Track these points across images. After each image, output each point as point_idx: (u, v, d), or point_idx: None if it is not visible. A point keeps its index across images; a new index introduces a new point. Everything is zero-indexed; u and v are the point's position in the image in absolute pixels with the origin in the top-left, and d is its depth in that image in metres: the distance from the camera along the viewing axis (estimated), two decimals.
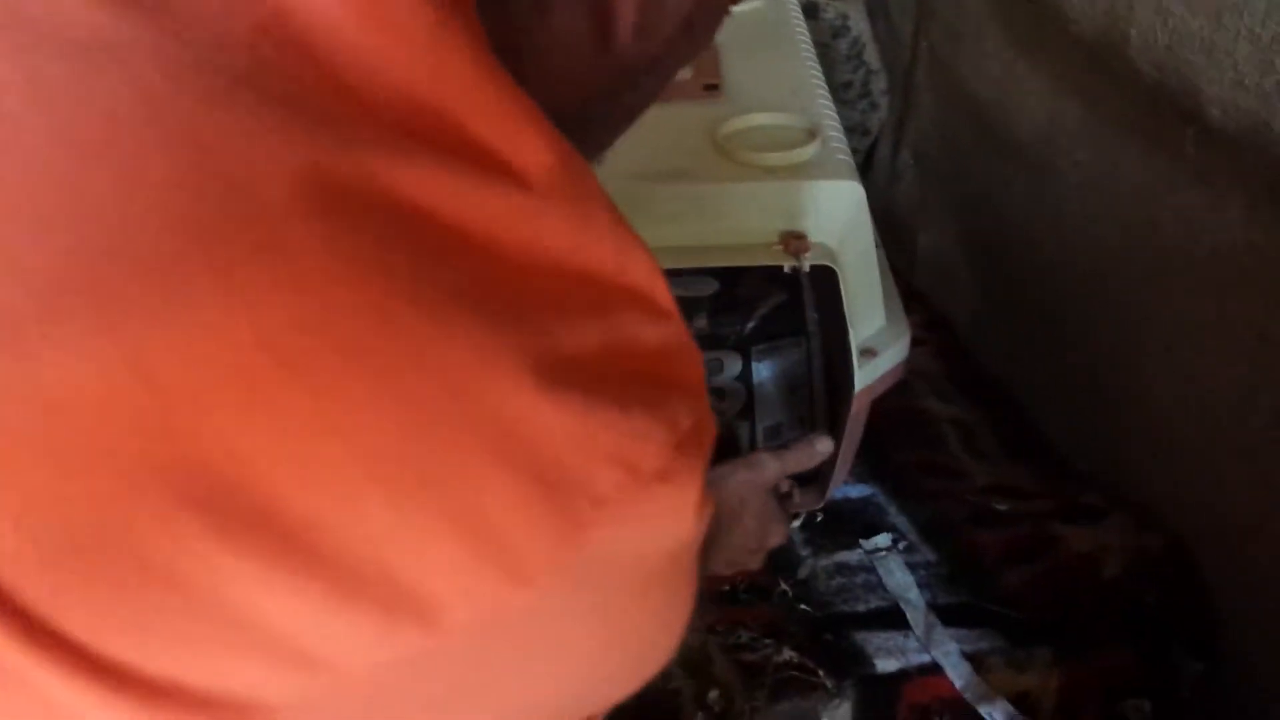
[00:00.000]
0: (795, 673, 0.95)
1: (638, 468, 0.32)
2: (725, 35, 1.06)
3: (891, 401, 1.05)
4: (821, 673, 0.95)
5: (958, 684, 0.94)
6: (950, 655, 0.96)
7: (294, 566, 0.29)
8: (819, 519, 1.11)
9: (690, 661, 0.96)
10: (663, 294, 0.36)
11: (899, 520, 1.11)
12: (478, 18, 0.34)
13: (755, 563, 0.91)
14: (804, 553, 1.08)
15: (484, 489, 0.30)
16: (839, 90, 1.57)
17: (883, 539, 1.08)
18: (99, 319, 0.28)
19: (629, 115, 0.49)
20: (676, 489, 0.34)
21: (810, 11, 1.48)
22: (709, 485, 0.36)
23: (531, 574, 0.31)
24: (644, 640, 0.41)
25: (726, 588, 1.03)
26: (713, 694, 0.94)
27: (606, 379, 0.32)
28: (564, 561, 0.32)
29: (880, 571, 1.05)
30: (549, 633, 0.35)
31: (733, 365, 1.08)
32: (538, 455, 0.30)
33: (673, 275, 1.06)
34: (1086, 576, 1.01)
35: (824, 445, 0.92)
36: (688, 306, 1.07)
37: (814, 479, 1.07)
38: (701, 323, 1.08)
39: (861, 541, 1.08)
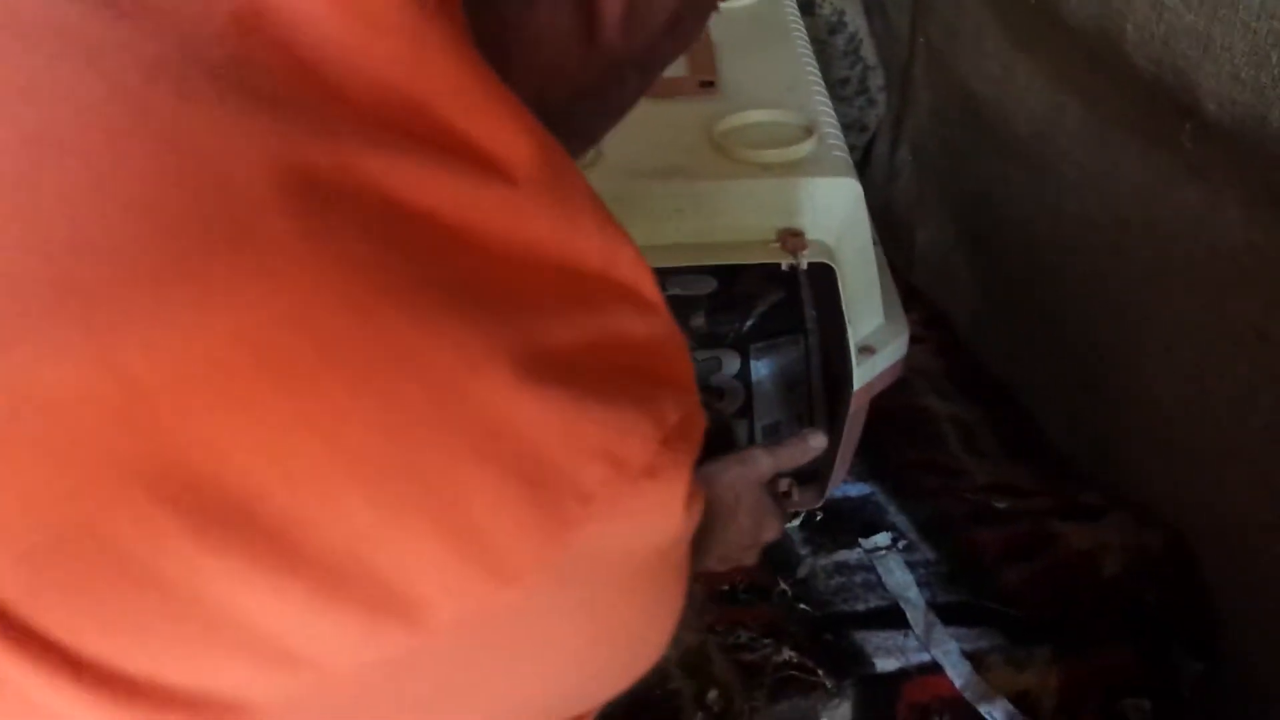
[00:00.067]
0: (795, 672, 0.95)
1: (624, 463, 0.32)
2: (721, 32, 1.07)
3: (890, 400, 1.05)
4: (821, 672, 0.95)
5: (957, 683, 0.94)
6: (950, 654, 0.96)
7: (275, 566, 0.29)
8: (818, 518, 1.11)
9: (689, 661, 0.96)
10: (649, 288, 0.35)
11: (898, 519, 1.11)
12: (462, 11, 0.33)
13: (750, 558, 0.91)
14: (803, 552, 1.07)
15: (467, 486, 0.30)
16: (836, 86, 1.56)
17: (882, 538, 1.08)
18: (74, 317, 0.27)
19: (617, 110, 0.48)
20: (664, 484, 0.34)
21: (807, 7, 1.48)
22: (702, 481, 0.36)
23: (517, 572, 0.31)
24: (634, 637, 0.40)
25: (725, 587, 1.03)
26: (712, 694, 0.93)
27: (592, 374, 0.32)
28: (550, 559, 0.31)
29: (880, 570, 1.05)
30: (536, 631, 0.35)
31: (731, 363, 1.08)
32: (521, 452, 0.30)
33: (670, 273, 1.06)
34: (1086, 575, 1.01)
35: (817, 441, 0.92)
36: (686, 304, 1.07)
37: (813, 478, 1.07)
38: (699, 321, 1.08)
39: (861, 540, 1.08)
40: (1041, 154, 1.12)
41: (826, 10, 1.54)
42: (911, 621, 0.99)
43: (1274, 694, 0.92)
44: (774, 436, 1.08)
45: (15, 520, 0.28)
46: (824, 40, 1.54)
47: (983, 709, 0.93)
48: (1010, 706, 0.93)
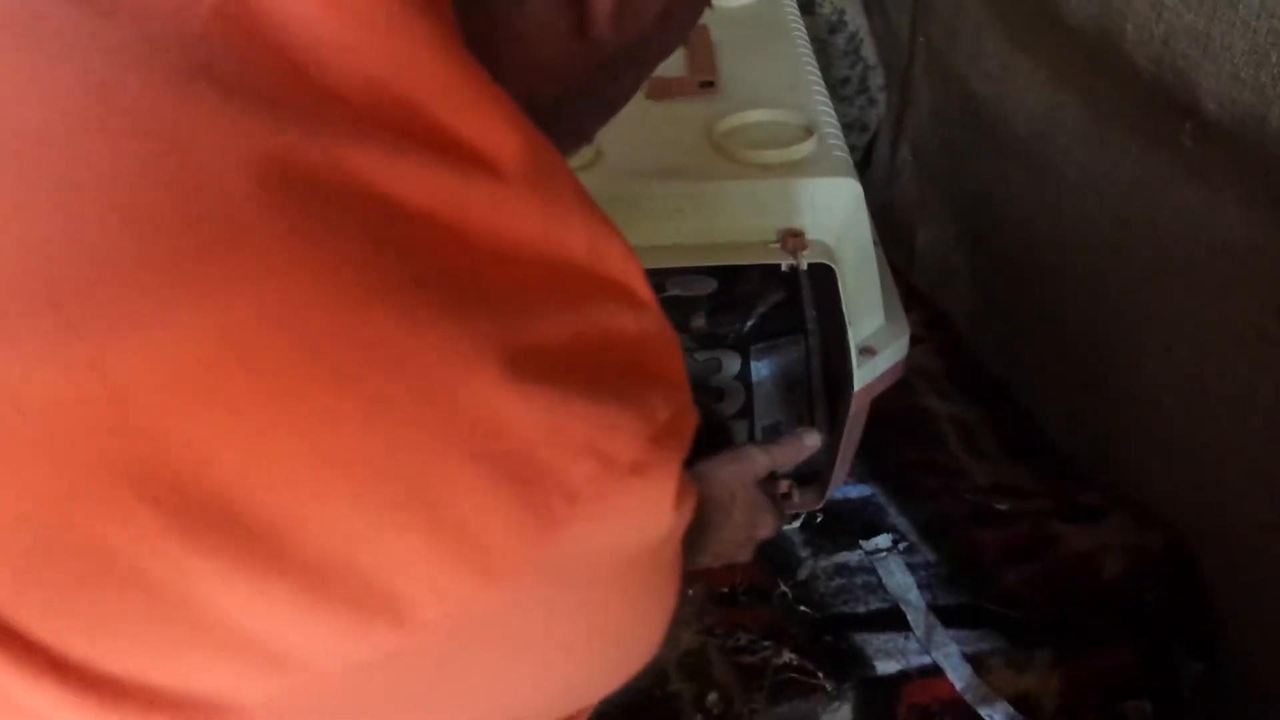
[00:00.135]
0: (795, 675, 0.95)
1: (612, 460, 0.32)
2: (721, 32, 1.07)
3: (891, 400, 1.05)
4: (821, 675, 0.94)
5: (958, 685, 0.94)
6: (951, 656, 0.96)
7: (261, 566, 0.28)
8: (819, 520, 1.11)
9: (689, 664, 0.96)
10: (639, 284, 0.35)
11: (899, 521, 1.11)
12: (450, 9, 0.33)
13: (745, 555, 0.91)
14: (803, 554, 1.07)
15: (453, 485, 0.30)
16: (837, 86, 1.56)
17: (883, 540, 1.08)
18: (56, 317, 0.27)
19: (611, 106, 0.48)
20: (653, 482, 0.34)
21: (807, 7, 1.47)
22: (697, 479, 0.36)
23: (504, 571, 0.31)
24: (625, 635, 0.40)
25: (725, 590, 1.03)
26: (712, 696, 0.93)
27: (580, 370, 0.32)
28: (537, 558, 0.31)
29: (880, 572, 1.05)
30: (525, 629, 0.34)
31: (731, 364, 1.08)
32: (508, 450, 0.30)
33: (671, 274, 1.06)
34: (1086, 576, 1.01)
35: (812, 439, 0.92)
36: (686, 305, 1.07)
37: (813, 479, 1.06)
38: (700, 321, 1.08)
39: (861, 542, 1.08)
40: (1041, 154, 1.12)
41: (827, 10, 1.53)
42: (912, 624, 0.99)
43: (1274, 694, 0.92)
44: (775, 437, 1.08)
45: None
46: (824, 40, 1.53)
47: (983, 711, 0.92)
48: (1011, 709, 0.92)
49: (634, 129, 0.92)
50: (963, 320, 1.41)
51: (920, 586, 1.03)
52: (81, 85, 0.29)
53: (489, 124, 0.32)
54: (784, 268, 0.85)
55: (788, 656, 0.96)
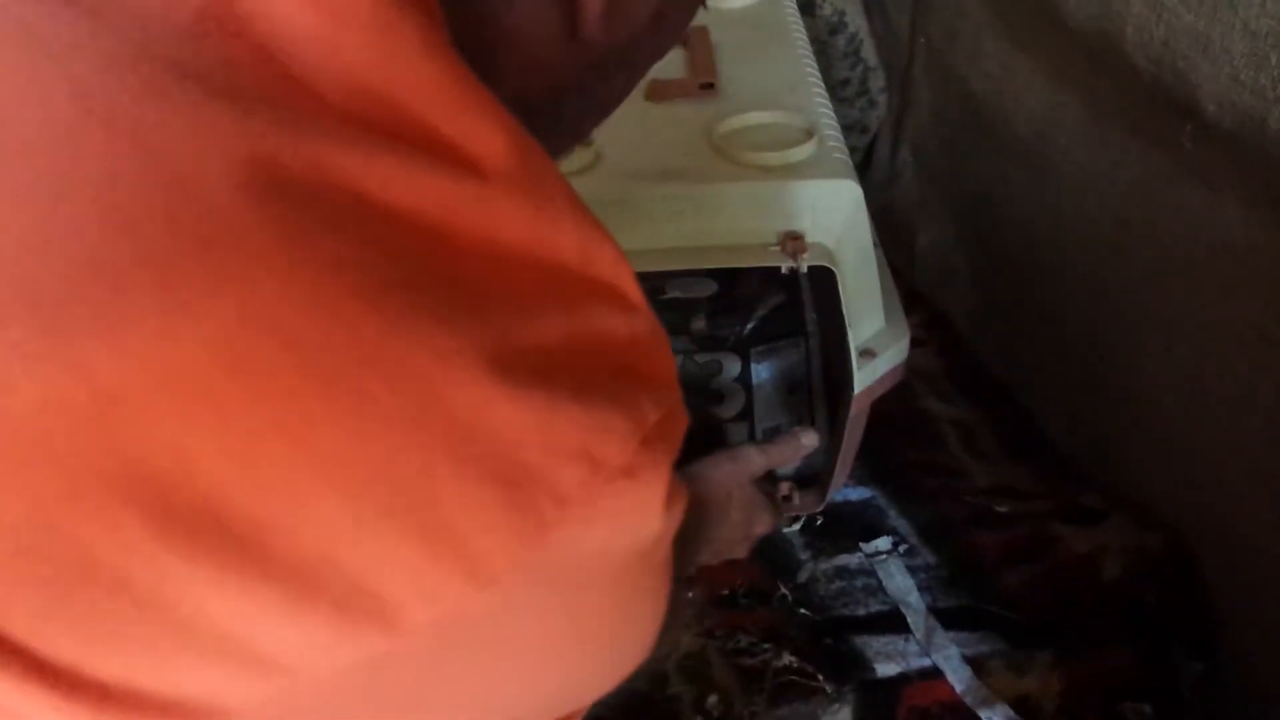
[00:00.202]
0: (795, 677, 0.95)
1: (602, 463, 0.32)
2: (721, 33, 1.07)
3: (891, 403, 1.05)
4: (821, 677, 0.94)
5: (958, 688, 0.94)
6: (951, 659, 0.96)
7: (247, 570, 0.28)
8: (819, 522, 1.10)
9: (689, 666, 0.95)
10: (630, 286, 0.35)
11: (899, 523, 1.10)
12: (439, 8, 0.33)
13: (742, 551, 0.91)
14: (803, 556, 1.07)
15: (440, 488, 0.29)
16: (837, 88, 1.56)
17: (883, 542, 1.08)
18: (38, 322, 0.27)
19: (603, 107, 0.48)
20: (643, 484, 0.33)
21: (807, 8, 1.47)
22: (693, 478, 0.36)
23: (493, 574, 0.31)
24: (616, 638, 0.40)
25: (725, 592, 1.02)
26: (712, 699, 0.93)
27: (569, 373, 0.32)
28: (526, 561, 0.31)
29: (880, 575, 1.05)
30: (515, 632, 0.34)
31: (731, 367, 1.08)
32: (496, 452, 0.30)
33: (670, 276, 1.06)
34: (1086, 577, 1.01)
35: (809, 438, 0.92)
36: (686, 308, 1.06)
37: (814, 482, 1.06)
38: (700, 324, 1.07)
39: (861, 545, 1.08)
40: (1041, 154, 1.12)
41: (827, 11, 1.53)
42: (912, 626, 0.99)
43: (1274, 694, 0.92)
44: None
45: None
46: (824, 41, 1.53)
47: (983, 714, 0.92)
48: (1010, 711, 0.92)
49: (633, 131, 0.92)
50: (963, 320, 1.41)
51: (920, 589, 1.03)
52: (64, 86, 0.29)
53: (476, 125, 0.32)
54: (784, 270, 0.85)
55: (788, 659, 0.96)
